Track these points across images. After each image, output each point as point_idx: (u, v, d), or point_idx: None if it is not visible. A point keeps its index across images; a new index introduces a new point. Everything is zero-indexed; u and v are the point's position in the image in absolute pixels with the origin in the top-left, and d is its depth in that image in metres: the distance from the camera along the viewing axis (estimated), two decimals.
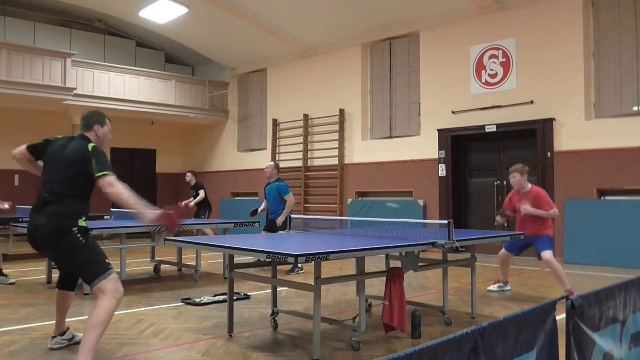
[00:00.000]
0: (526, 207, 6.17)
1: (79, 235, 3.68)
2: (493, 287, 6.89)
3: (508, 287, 6.91)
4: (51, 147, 3.97)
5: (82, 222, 3.74)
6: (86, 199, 3.87)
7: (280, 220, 8.14)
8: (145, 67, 14.98)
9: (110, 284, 3.61)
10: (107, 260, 3.73)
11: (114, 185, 3.66)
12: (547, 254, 6.08)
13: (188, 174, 11.89)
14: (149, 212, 3.73)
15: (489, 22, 10.78)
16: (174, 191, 17.49)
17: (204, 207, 11.52)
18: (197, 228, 8.32)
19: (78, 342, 4.06)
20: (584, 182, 9.47)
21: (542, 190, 6.51)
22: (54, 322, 4.21)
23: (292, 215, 6.10)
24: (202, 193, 11.45)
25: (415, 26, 11.85)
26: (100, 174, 3.68)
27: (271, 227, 8.28)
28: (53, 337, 4.14)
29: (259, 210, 8.64)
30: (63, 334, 4.16)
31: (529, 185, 6.44)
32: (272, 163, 8.69)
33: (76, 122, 13.32)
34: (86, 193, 3.86)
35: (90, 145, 3.86)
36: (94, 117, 4.11)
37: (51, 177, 3.83)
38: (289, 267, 8.05)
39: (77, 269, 3.81)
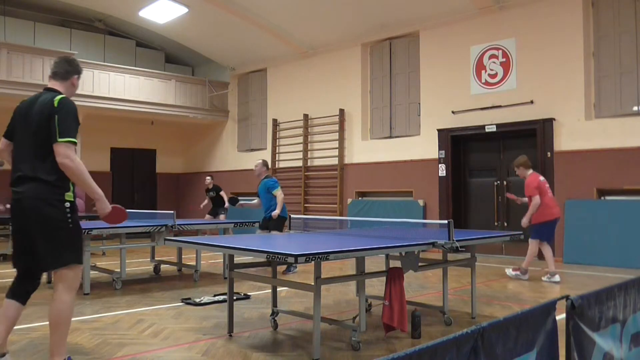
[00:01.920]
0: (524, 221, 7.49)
1: (68, 212, 3.31)
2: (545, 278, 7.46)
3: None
4: (18, 110, 3.50)
5: (69, 195, 3.35)
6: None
7: (275, 214, 8.18)
8: (145, 67, 15.00)
9: (73, 272, 3.35)
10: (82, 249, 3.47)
11: (73, 159, 3.23)
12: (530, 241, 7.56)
13: (207, 177, 12.94)
14: (107, 205, 3.50)
15: (489, 22, 10.78)
16: (174, 191, 17.51)
17: (221, 206, 12.53)
18: (197, 229, 8.33)
19: None
20: (584, 182, 9.47)
21: (530, 177, 7.49)
22: None
23: (292, 215, 6.08)
24: (224, 194, 12.50)
25: (415, 26, 11.86)
26: (62, 139, 3.22)
27: (266, 226, 8.33)
28: None
29: (242, 202, 8.92)
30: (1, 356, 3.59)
31: (528, 174, 7.55)
32: (260, 161, 8.75)
33: None
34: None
35: (56, 99, 3.35)
36: (74, 65, 3.63)
37: (22, 148, 3.39)
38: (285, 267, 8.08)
39: (52, 249, 3.30)
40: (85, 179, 3.30)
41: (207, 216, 12.60)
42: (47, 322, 4.22)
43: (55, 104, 3.31)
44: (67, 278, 3.33)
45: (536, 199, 7.27)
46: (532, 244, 7.53)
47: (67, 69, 3.59)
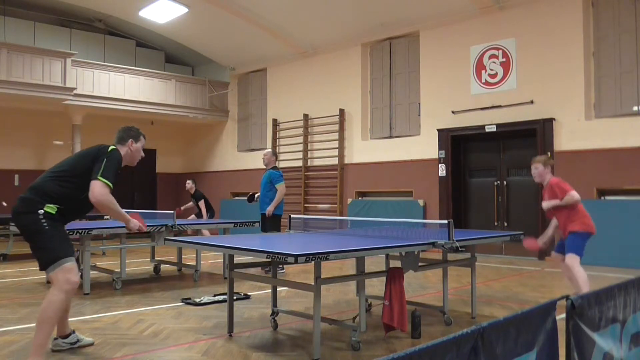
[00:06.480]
0: (546, 203, 5.59)
1: (42, 219, 3.55)
2: None
3: None
4: None
5: (49, 208, 3.59)
6: (72, 191, 3.71)
7: (269, 210, 7.98)
8: (145, 67, 14.99)
9: (61, 274, 3.52)
10: (66, 249, 3.60)
11: (104, 196, 3.65)
12: (568, 258, 5.43)
13: (189, 181, 11.69)
14: (132, 221, 4.08)
15: (489, 22, 10.78)
16: (174, 191, 17.50)
17: (208, 212, 11.48)
18: (195, 228, 8.33)
19: (84, 346, 4.14)
20: (584, 182, 9.45)
21: (555, 178, 5.65)
22: None
23: (292, 215, 6.08)
24: (202, 205, 11.32)
25: (415, 26, 11.86)
26: (100, 178, 3.65)
27: (263, 224, 8.14)
28: (55, 339, 4.06)
29: (255, 196, 8.62)
30: (65, 337, 4.08)
31: (549, 177, 5.67)
32: (269, 150, 8.66)
33: (76, 122, 13.34)
34: (77, 186, 3.70)
35: (111, 147, 3.93)
36: (128, 133, 4.20)
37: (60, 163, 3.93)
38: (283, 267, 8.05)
39: (34, 251, 3.65)
40: (114, 212, 3.86)
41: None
42: None
43: (109, 150, 3.89)
44: (55, 278, 3.56)
45: (574, 194, 5.53)
46: (576, 263, 5.52)
47: (122, 136, 4.20)
